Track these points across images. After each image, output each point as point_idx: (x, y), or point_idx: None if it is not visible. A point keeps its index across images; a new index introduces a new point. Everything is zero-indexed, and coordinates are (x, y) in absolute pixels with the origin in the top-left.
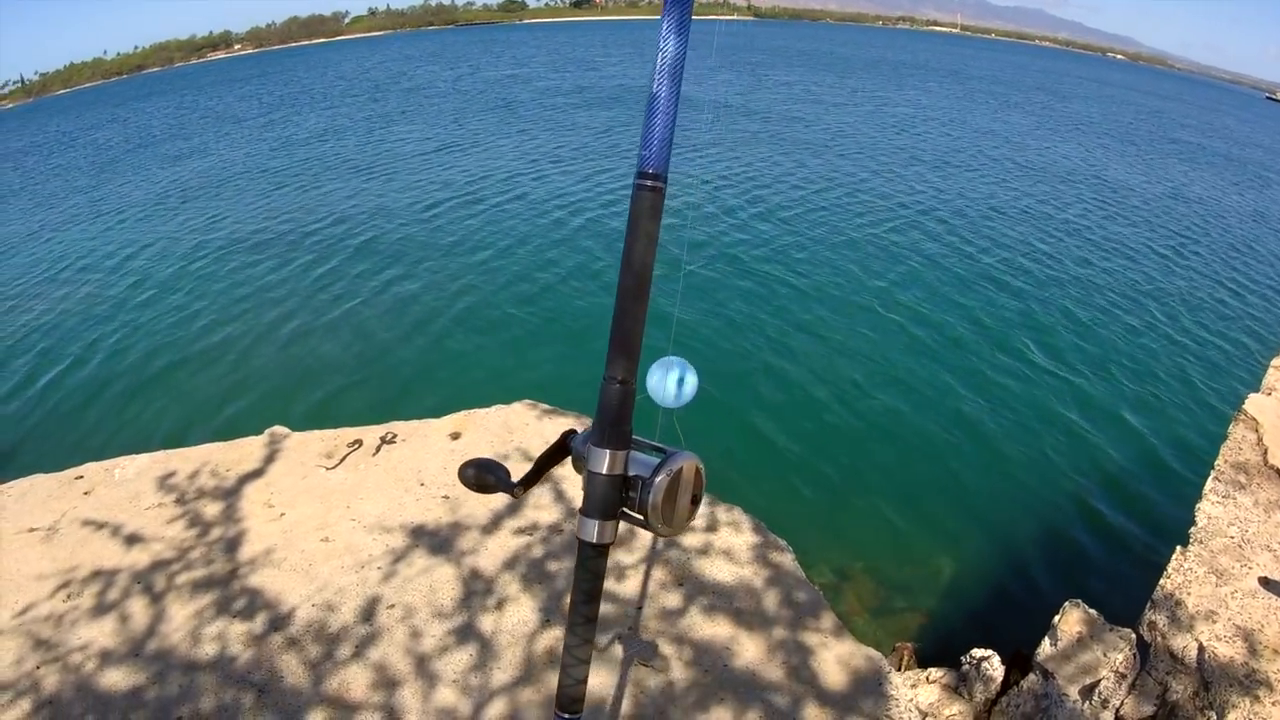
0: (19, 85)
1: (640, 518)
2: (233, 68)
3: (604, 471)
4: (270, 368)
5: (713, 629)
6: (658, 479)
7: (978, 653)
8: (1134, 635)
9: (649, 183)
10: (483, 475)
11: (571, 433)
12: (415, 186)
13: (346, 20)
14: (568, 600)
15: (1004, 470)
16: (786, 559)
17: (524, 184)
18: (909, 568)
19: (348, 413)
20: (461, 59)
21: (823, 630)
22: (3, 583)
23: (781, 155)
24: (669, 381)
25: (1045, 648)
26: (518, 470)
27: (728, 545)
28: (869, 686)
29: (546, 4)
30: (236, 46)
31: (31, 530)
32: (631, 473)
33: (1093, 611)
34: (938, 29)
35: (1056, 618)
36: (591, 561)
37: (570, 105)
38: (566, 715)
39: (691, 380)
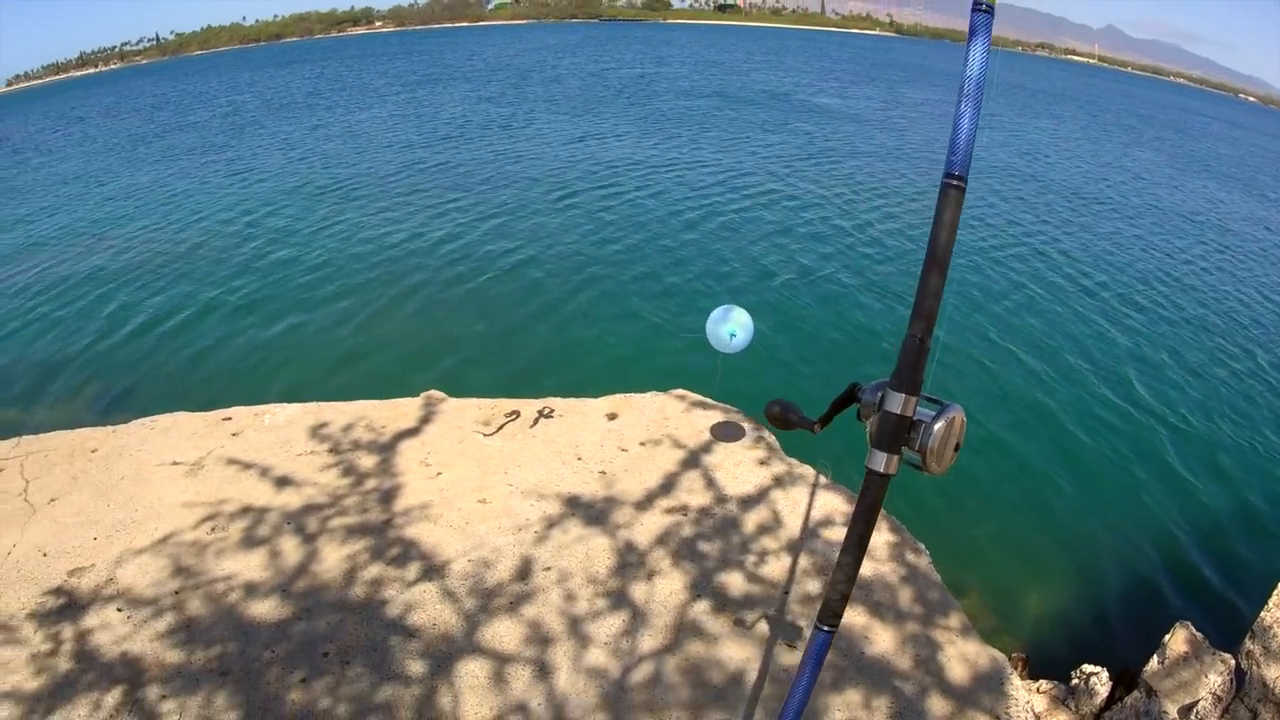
0: (154, 43)
1: (918, 456)
2: (373, 43)
3: (898, 411)
4: (396, 335)
5: (849, 617)
6: (937, 425)
7: (1088, 668)
8: (1233, 661)
9: (954, 182)
10: (787, 413)
11: (858, 385)
12: (551, 174)
13: (490, 6)
14: (717, 578)
15: (1119, 498)
16: (922, 560)
17: (659, 180)
18: (1022, 585)
19: (468, 384)
20: (604, 53)
21: (951, 628)
22: (144, 509)
23: (896, 176)
24: (724, 330)
25: (1153, 665)
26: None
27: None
28: (991, 684)
29: (691, 5)
30: (378, 23)
31: (175, 464)
32: (915, 417)
33: (1199, 634)
34: (1075, 58)
35: (1167, 636)
36: (875, 489)
37: (711, 108)
38: (825, 628)
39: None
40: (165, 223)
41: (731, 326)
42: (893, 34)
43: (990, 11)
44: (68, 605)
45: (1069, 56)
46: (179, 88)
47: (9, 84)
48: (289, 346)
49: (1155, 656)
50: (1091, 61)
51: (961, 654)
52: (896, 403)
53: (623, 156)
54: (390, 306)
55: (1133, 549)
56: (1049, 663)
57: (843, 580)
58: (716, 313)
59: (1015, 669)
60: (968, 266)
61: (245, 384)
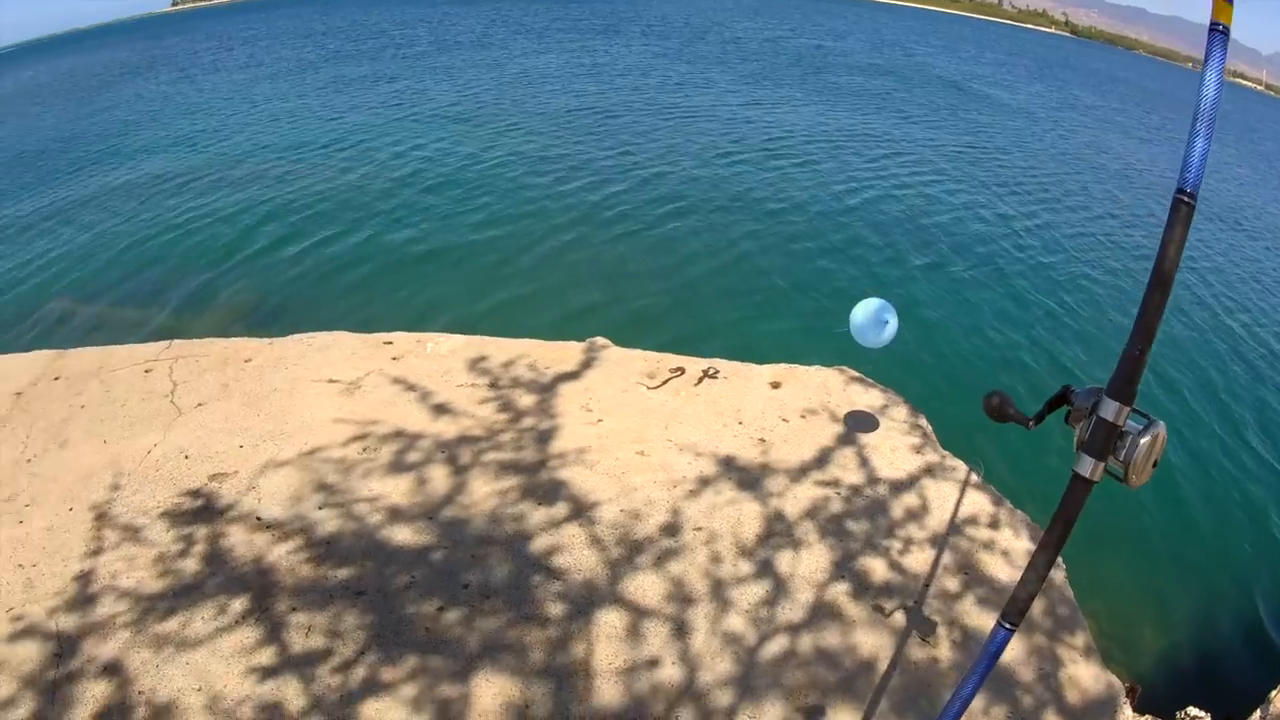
0: None
1: (1120, 466)
2: None
3: (1110, 419)
4: (537, 271)
5: (982, 620)
6: (1144, 439)
7: (1193, 711)
8: None
9: (1186, 198)
10: (1004, 406)
11: (1070, 387)
12: (711, 135)
13: None
14: (860, 561)
15: (1256, 546)
16: (1059, 575)
17: (816, 155)
18: (1141, 615)
19: (592, 328)
20: (782, 20)
21: (1075, 647)
22: (295, 422)
23: (1057, 182)
24: (875, 328)
25: (1255, 718)
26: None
27: (1008, 546)
28: (1104, 712)
29: None
30: None
31: (331, 381)
32: (1124, 428)
33: None
34: (1243, 82)
35: (1273, 692)
36: (1079, 493)
37: (881, 88)
38: (1008, 625)
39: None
40: (330, 146)
41: (884, 330)
42: (1067, 34)
43: (1226, 32)
44: (204, 509)
45: (1236, 80)
46: (350, 18)
47: (174, 4)
48: (439, 274)
49: (1259, 710)
50: (1259, 88)
51: (1081, 675)
52: (1110, 410)
53: (793, 125)
54: (532, 247)
55: (1255, 600)
56: (1154, 698)
57: (1033, 579)
58: (868, 312)
59: (1128, 700)
60: (1104, 281)
61: (393, 305)
